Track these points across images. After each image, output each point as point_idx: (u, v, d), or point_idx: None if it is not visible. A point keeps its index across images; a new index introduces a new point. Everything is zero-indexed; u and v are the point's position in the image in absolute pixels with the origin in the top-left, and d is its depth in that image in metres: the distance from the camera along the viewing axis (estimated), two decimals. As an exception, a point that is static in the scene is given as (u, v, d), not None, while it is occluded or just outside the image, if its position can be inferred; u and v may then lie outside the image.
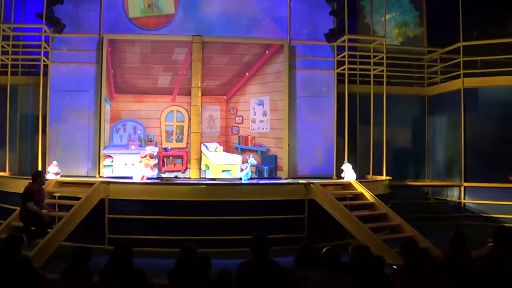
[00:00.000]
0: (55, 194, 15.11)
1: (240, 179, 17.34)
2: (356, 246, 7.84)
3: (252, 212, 14.54)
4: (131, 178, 16.62)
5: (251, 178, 17.55)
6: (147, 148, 17.50)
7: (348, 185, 16.32)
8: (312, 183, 15.36)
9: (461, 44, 19.82)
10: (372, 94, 19.17)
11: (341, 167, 17.61)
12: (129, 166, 18.57)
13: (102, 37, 18.90)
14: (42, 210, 12.94)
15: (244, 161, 18.43)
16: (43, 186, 13.43)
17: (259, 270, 7.12)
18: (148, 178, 16.42)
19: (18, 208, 13.35)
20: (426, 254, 8.77)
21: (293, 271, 6.25)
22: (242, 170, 17.69)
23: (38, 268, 8.78)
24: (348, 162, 17.92)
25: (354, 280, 6.57)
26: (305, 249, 6.84)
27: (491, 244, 8.79)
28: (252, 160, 17.92)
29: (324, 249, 6.74)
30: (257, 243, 7.48)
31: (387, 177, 18.32)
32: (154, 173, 16.94)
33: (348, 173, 17.28)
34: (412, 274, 7.56)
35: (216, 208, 14.57)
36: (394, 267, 8.36)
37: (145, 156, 16.53)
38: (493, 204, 18.93)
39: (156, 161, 17.48)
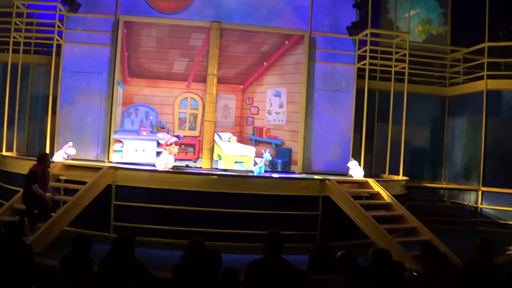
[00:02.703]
0: (61, 178, 14.73)
1: (252, 172, 16.90)
2: (377, 250, 7.48)
3: (264, 206, 14.24)
4: (142, 164, 16.21)
5: (264, 172, 17.09)
6: (165, 135, 17.18)
7: (365, 184, 15.86)
8: (328, 179, 14.96)
9: (486, 44, 19.37)
10: (393, 91, 18.65)
11: (347, 164, 17.28)
12: (140, 152, 18.18)
13: (118, 18, 18.45)
14: (46, 193, 12.59)
15: (259, 155, 17.96)
16: (48, 169, 13.01)
17: (271, 269, 6.68)
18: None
19: (21, 190, 13.00)
20: (448, 262, 8.27)
21: (309, 275, 5.76)
22: (256, 164, 17.27)
23: (38, 253, 8.44)
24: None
25: (373, 286, 6.20)
26: (321, 251, 6.34)
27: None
28: (268, 155, 17.43)
29: (340, 253, 6.39)
30: (271, 240, 7.17)
31: (404, 177, 17.84)
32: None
33: (355, 171, 17.00)
34: (433, 282, 7.16)
35: (227, 201, 14.19)
36: (414, 273, 7.95)
37: (171, 144, 16.14)
38: (510, 211, 18.51)
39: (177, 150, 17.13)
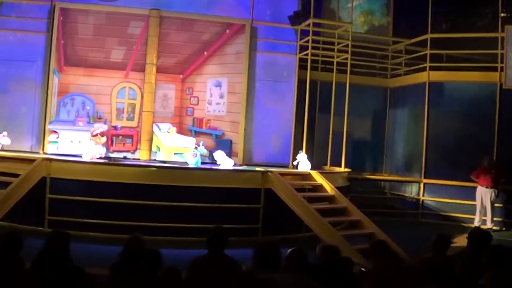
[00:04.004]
0: (-8, 170, 14.14)
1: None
2: (325, 246, 7.26)
3: (204, 199, 13.92)
4: (77, 156, 15.69)
5: (204, 163, 16.74)
6: (96, 125, 16.70)
7: (308, 176, 15.63)
8: (270, 171, 14.69)
9: (428, 36, 19.42)
10: (335, 82, 18.44)
11: (296, 157, 17.08)
12: (76, 144, 17.60)
13: (54, 5, 17.77)
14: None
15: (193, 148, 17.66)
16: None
17: (215, 268, 6.54)
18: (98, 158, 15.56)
19: None
20: (396, 257, 8.09)
21: (257, 275, 5.50)
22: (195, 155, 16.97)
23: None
24: (306, 151, 17.37)
25: (322, 283, 6.03)
26: (265, 247, 6.15)
27: (456, 244, 8.25)
28: (202, 148, 16.95)
29: (290, 250, 6.13)
30: (215, 237, 6.85)
31: (346, 169, 17.69)
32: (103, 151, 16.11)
33: (303, 163, 16.75)
34: (383, 277, 6.98)
35: (167, 193, 13.78)
36: (363, 269, 7.71)
37: (96, 134, 15.65)
38: (451, 203, 18.68)
39: (105, 140, 16.66)
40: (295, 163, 17.02)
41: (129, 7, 18.21)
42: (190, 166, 15.93)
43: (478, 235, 7.99)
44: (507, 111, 18.21)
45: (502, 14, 19.25)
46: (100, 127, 16.23)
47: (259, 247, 6.09)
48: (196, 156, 16.33)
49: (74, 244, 7.23)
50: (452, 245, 8.52)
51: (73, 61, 18.11)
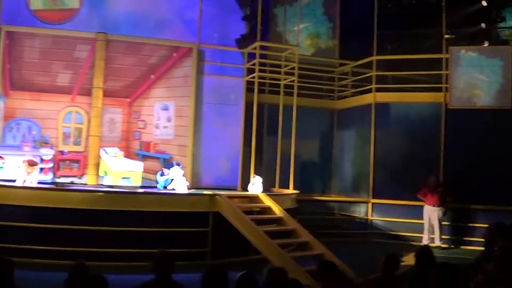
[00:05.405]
0: None
1: (157, 182, 16.60)
2: (273, 268, 7.19)
3: (152, 223, 13.73)
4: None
5: (149, 187, 16.68)
6: (43, 150, 16.56)
7: (256, 198, 15.61)
8: (218, 194, 14.59)
9: (374, 58, 19.77)
10: (282, 105, 18.56)
11: (251, 179, 17.13)
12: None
13: (0, 28, 17.62)
14: None
15: (149, 170, 17.64)
16: None
17: None
18: (40, 182, 15.32)
19: None
20: (345, 278, 8.10)
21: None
22: (163, 174, 16.95)
23: None
24: (254, 173, 17.41)
25: None
26: (214, 272, 6.11)
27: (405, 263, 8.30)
28: (178, 168, 16.94)
29: (240, 273, 6.12)
30: (161, 261, 6.80)
31: (295, 191, 17.72)
32: (48, 177, 15.90)
33: (255, 186, 16.76)
34: None
35: (114, 218, 13.56)
36: (310, 291, 7.75)
37: (24, 161, 15.37)
38: (400, 222, 18.95)
39: (51, 165, 16.49)
40: (249, 187, 16.97)
41: (76, 30, 18.08)
42: (138, 190, 15.86)
43: (425, 252, 8.06)
44: (453, 131, 18.57)
45: (447, 36, 19.57)
46: (29, 156, 16.02)
47: (207, 272, 6.04)
48: (167, 175, 16.46)
49: (19, 272, 7.03)
50: (401, 264, 8.58)
51: (19, 85, 17.88)
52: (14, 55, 17.76)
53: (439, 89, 19.17)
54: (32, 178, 15.25)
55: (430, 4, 20.94)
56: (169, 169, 17.03)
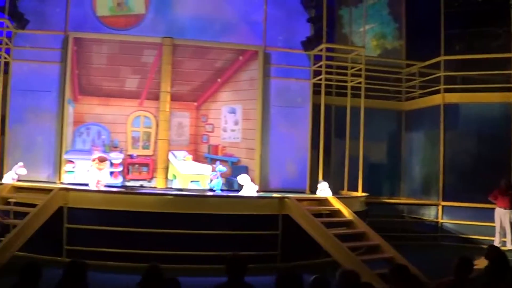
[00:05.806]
0: (10, 200, 14.07)
1: (213, 190, 16.58)
2: (345, 271, 7.09)
3: (222, 226, 13.69)
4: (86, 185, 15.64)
5: (223, 190, 16.74)
6: (113, 154, 16.76)
7: (325, 201, 15.45)
8: (287, 197, 14.51)
9: (442, 58, 19.41)
10: (349, 107, 18.42)
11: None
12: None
13: (68, 35, 17.94)
14: (-5, 217, 12.00)
15: (212, 170, 17.64)
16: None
17: None
18: (107, 185, 15.47)
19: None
20: (417, 281, 7.97)
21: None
22: (211, 180, 16.95)
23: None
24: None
25: None
26: (288, 275, 6.03)
27: (477, 267, 8.09)
28: (220, 167, 17.15)
29: (313, 277, 6.03)
30: (234, 264, 6.72)
31: (364, 194, 17.55)
32: (118, 180, 16.04)
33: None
34: None
35: (184, 221, 13.60)
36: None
37: (94, 159, 15.50)
38: (470, 225, 18.42)
39: (121, 168, 16.66)
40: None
41: (142, 35, 18.32)
42: (209, 193, 15.91)
43: (496, 250, 7.89)
44: (524, 131, 18.11)
45: (515, 34, 19.18)
46: (98, 153, 16.21)
47: (281, 275, 5.98)
48: (218, 178, 16.43)
49: (92, 274, 7.13)
50: (475, 267, 8.40)
51: (88, 90, 18.18)
52: (82, 61, 18.06)
53: (509, 89, 18.75)
54: (104, 175, 15.43)
55: (497, 3, 20.53)
56: (217, 170, 17.14)
